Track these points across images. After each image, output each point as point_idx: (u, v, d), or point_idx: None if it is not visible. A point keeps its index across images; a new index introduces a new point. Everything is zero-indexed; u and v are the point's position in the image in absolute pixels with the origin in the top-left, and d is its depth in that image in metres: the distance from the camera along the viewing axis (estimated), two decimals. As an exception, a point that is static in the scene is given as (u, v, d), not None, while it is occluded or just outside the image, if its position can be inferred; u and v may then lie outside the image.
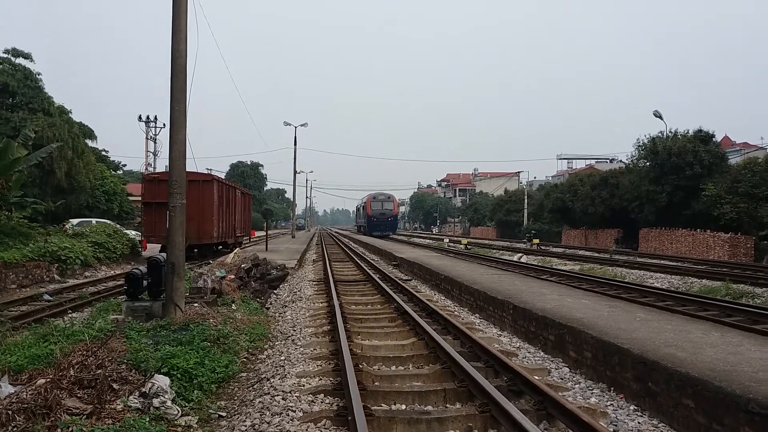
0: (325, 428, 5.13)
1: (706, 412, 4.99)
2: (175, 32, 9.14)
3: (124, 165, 59.52)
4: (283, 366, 7.28)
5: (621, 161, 56.99)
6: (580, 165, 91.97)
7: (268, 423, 5.20)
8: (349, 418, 5.04)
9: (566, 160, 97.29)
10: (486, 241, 51.73)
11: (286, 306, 12.93)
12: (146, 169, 46.85)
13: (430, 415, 5.36)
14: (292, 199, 63.44)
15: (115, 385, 5.54)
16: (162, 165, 48.53)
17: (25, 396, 4.94)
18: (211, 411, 5.79)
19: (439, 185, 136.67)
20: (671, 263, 23.54)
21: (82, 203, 32.77)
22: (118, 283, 16.53)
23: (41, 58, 34.27)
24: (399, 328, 9.57)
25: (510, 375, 6.31)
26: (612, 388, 6.41)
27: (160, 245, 20.79)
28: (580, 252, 33.40)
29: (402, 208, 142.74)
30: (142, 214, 23.98)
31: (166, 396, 5.52)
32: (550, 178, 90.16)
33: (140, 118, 47.69)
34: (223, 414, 5.76)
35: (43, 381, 5.26)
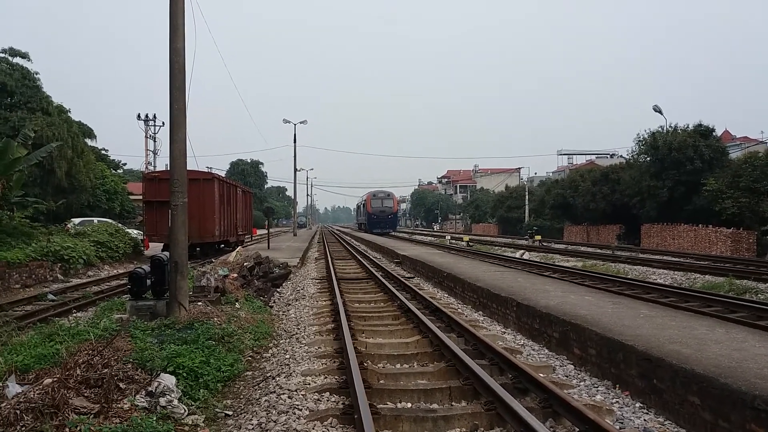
0: (332, 427, 5.14)
1: (711, 409, 4.99)
2: (173, 31, 9.14)
3: (124, 164, 59.61)
4: (288, 364, 7.29)
5: (621, 156, 56.91)
6: (580, 160, 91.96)
7: (274, 422, 5.22)
8: (356, 416, 5.05)
9: (566, 156, 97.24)
10: (488, 238, 51.73)
11: (289, 304, 12.94)
12: (146, 167, 46.92)
13: (435, 413, 5.37)
14: (293, 197, 63.47)
15: (121, 384, 5.55)
16: (162, 163, 48.71)
17: (32, 395, 4.96)
18: (217, 410, 5.81)
19: (440, 182, 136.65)
20: (674, 259, 23.54)
21: (83, 202, 32.82)
22: (122, 282, 16.56)
23: (39, 57, 34.23)
24: (403, 326, 9.58)
25: (515, 372, 6.32)
26: (617, 386, 6.41)
27: (162, 244, 20.80)
28: (582, 248, 33.40)
29: (403, 206, 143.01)
30: (144, 213, 23.97)
31: (173, 395, 5.54)
32: (551, 174, 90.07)
33: (139, 116, 47.81)
34: (230, 413, 5.78)
35: (50, 380, 5.28)
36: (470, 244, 38.06)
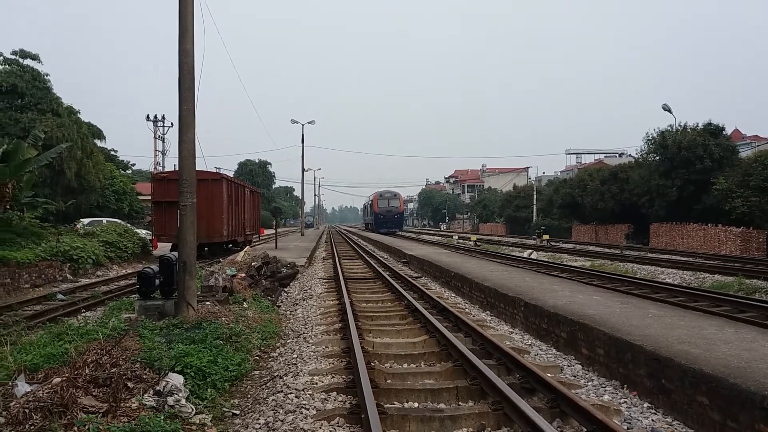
0: (339, 426, 5.15)
1: (720, 409, 4.96)
2: (182, 32, 9.18)
3: (133, 164, 60.00)
4: (295, 364, 7.31)
5: (630, 155, 56.65)
6: (588, 160, 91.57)
7: (282, 421, 5.23)
8: (363, 416, 5.05)
9: (575, 155, 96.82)
10: (495, 238, 51.64)
11: (297, 304, 12.97)
12: (155, 168, 47.10)
13: (443, 413, 5.36)
14: (300, 197, 63.61)
15: (129, 384, 5.58)
16: (171, 164, 48.86)
17: (41, 394, 4.99)
18: (224, 409, 5.83)
19: (447, 181, 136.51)
20: (683, 258, 23.40)
21: (92, 203, 33.04)
22: (130, 282, 16.64)
23: (49, 58, 34.47)
24: (410, 325, 9.58)
25: (522, 372, 6.30)
26: (625, 386, 6.38)
27: (170, 244, 20.90)
28: (591, 248, 33.26)
29: (410, 205, 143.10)
30: (153, 213, 24.10)
31: (180, 394, 5.56)
32: (559, 174, 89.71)
33: (148, 117, 47.93)
34: (237, 412, 5.80)
35: (58, 380, 5.31)
36: (478, 243, 37.99)
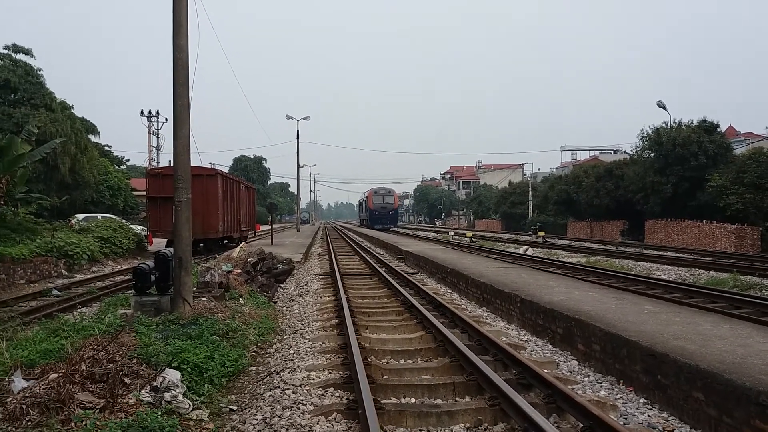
0: (336, 422, 5.15)
1: (716, 404, 4.99)
2: (176, 28, 9.13)
3: (128, 160, 59.59)
4: (292, 360, 7.31)
5: (625, 152, 56.72)
6: (583, 156, 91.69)
7: (279, 417, 5.23)
8: (360, 411, 5.06)
9: (570, 152, 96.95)
10: (491, 234, 51.69)
11: (293, 300, 12.96)
12: (150, 163, 46.92)
13: (439, 409, 5.38)
14: (296, 193, 63.55)
15: (126, 380, 5.57)
16: (165, 159, 48.53)
17: (38, 390, 4.98)
18: (222, 405, 5.83)
19: (443, 178, 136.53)
20: (678, 255, 23.49)
21: (86, 198, 32.89)
22: (126, 278, 16.60)
23: (42, 53, 34.22)
24: (406, 321, 9.59)
25: (519, 368, 6.32)
26: (621, 381, 6.41)
27: (165, 240, 20.85)
28: (586, 244, 33.35)
29: (406, 201, 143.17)
30: (147, 209, 24.03)
31: (178, 390, 5.56)
32: (555, 170, 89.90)
33: (142, 112, 47.72)
34: (234, 408, 5.80)
35: (55, 375, 5.30)
36: (474, 240, 38.02)
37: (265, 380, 6.60)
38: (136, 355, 6.11)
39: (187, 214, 9.13)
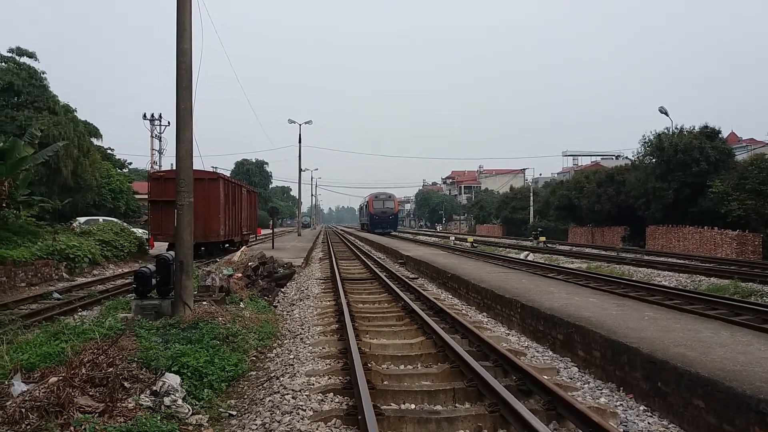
0: (336, 427, 5.15)
1: (716, 412, 4.98)
2: (180, 32, 9.16)
3: (130, 163, 59.79)
4: (292, 365, 7.30)
5: (627, 158, 56.75)
6: (585, 162, 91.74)
7: (278, 422, 5.23)
8: (359, 417, 5.06)
9: (571, 157, 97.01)
10: (492, 239, 51.68)
11: (293, 304, 12.96)
12: (152, 167, 47.01)
13: (439, 415, 5.37)
14: (297, 197, 63.60)
15: (126, 384, 5.57)
16: (167, 163, 48.71)
17: (38, 394, 4.98)
18: (221, 410, 5.83)
19: (444, 183, 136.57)
20: (679, 261, 23.46)
21: (88, 201, 32.95)
22: (127, 281, 16.62)
23: (46, 56, 34.39)
24: (407, 326, 9.58)
25: (519, 374, 6.31)
26: (621, 388, 6.40)
27: (167, 243, 20.86)
28: (587, 250, 33.32)
29: (407, 206, 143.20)
30: (149, 213, 24.06)
31: (177, 394, 5.56)
32: (556, 175, 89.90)
33: (145, 116, 47.86)
34: (234, 413, 5.79)
35: (55, 379, 5.30)
36: (475, 245, 38.01)
37: (264, 385, 6.59)
38: (136, 359, 6.12)
39: (188, 218, 9.14)
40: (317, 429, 5.06)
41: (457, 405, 5.88)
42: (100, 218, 28.85)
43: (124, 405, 5.16)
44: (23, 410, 4.74)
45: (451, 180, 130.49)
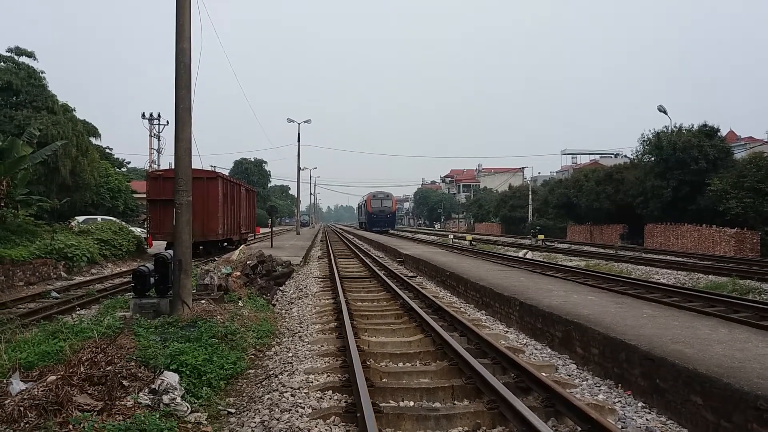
0: (335, 425, 5.15)
1: (714, 408, 4.99)
2: (179, 31, 9.15)
3: (128, 162, 59.63)
4: (291, 363, 7.31)
5: (626, 156, 56.85)
6: (584, 160, 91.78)
7: (277, 420, 5.23)
8: (358, 414, 5.06)
9: (570, 156, 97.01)
10: (491, 237, 51.71)
11: (292, 303, 12.96)
12: (150, 166, 46.95)
13: (438, 412, 5.38)
14: (296, 196, 63.62)
15: (124, 382, 5.57)
16: (166, 162, 48.57)
17: (36, 392, 4.97)
18: (220, 407, 5.83)
19: (443, 181, 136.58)
20: (677, 259, 23.49)
21: (87, 201, 32.89)
22: (125, 280, 16.60)
23: (44, 55, 34.35)
24: (405, 324, 9.59)
25: (517, 372, 6.32)
26: (620, 385, 6.41)
27: (165, 242, 20.84)
28: (586, 248, 33.35)
29: (406, 205, 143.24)
30: (148, 212, 24.02)
31: (176, 392, 5.56)
32: (555, 174, 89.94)
33: (144, 115, 47.75)
34: (233, 411, 5.79)
35: (53, 378, 5.29)
36: (473, 243, 38.02)
37: (263, 383, 6.59)
38: (134, 358, 6.12)
39: (187, 217, 9.14)
40: (316, 426, 5.06)
41: (455, 402, 5.89)
42: (99, 217, 28.82)
43: (122, 403, 5.16)
44: (22, 409, 4.74)
45: (450, 178, 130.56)
